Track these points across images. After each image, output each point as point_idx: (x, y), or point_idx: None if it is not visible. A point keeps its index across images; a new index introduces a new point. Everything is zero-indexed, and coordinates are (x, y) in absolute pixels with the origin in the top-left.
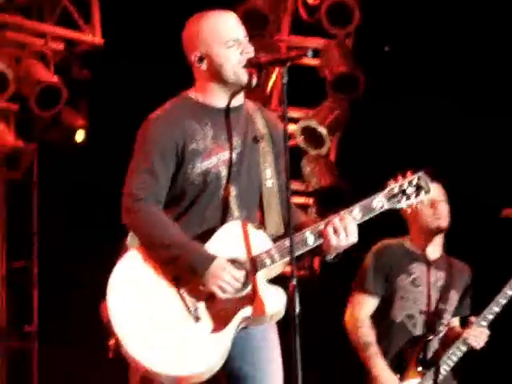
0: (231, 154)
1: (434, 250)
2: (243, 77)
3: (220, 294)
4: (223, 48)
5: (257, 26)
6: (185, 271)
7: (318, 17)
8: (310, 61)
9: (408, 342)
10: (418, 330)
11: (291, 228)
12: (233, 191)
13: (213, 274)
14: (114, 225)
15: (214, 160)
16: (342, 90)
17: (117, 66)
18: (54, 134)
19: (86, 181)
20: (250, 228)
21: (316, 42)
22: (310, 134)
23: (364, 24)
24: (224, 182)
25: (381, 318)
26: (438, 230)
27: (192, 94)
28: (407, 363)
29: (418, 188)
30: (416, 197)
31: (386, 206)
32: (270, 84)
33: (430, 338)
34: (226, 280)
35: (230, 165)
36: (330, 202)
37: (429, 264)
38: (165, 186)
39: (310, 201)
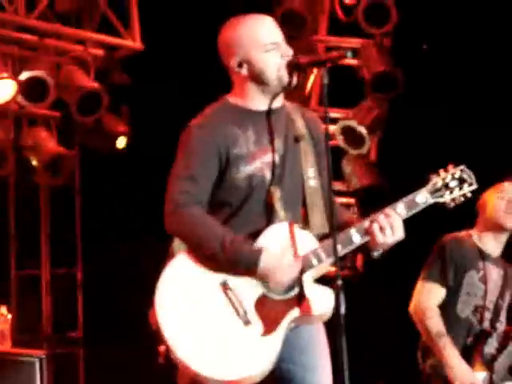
0: (274, 156)
1: (498, 247)
2: (284, 79)
3: (270, 294)
4: (262, 52)
5: (294, 28)
6: (238, 269)
7: (355, 16)
8: (348, 61)
9: (473, 336)
10: (482, 325)
11: (334, 227)
12: (277, 193)
13: (266, 263)
14: (156, 230)
15: (258, 164)
16: (381, 90)
17: (157, 71)
18: (95, 140)
19: (127, 186)
20: (296, 228)
21: (354, 42)
22: (350, 134)
23: (401, 23)
24: (268, 184)
25: (446, 311)
26: (505, 228)
27: (231, 98)
28: (473, 357)
29: (462, 181)
30: (459, 190)
31: (430, 201)
32: (309, 85)
33: (491, 333)
34: (281, 266)
35: (274, 167)
36: (371, 202)
37: (493, 261)
38: (207, 192)
39: (352, 201)
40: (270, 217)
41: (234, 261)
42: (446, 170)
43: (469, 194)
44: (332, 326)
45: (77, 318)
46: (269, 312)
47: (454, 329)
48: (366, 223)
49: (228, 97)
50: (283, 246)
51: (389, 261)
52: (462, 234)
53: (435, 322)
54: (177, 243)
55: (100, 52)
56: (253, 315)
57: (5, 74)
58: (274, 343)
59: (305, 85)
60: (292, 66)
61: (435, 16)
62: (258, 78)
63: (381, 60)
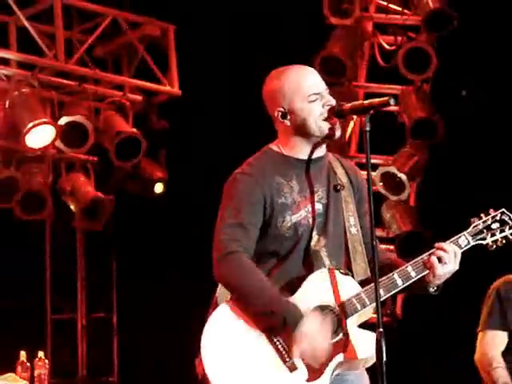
0: (318, 205)
1: None
2: (326, 129)
3: (297, 360)
4: (306, 102)
5: (334, 73)
6: (276, 327)
7: (395, 63)
8: (387, 107)
9: None
10: None
11: (376, 272)
12: (322, 242)
13: (301, 336)
14: (192, 276)
15: (303, 213)
16: (421, 136)
17: (195, 117)
18: (133, 186)
19: (163, 231)
20: (338, 274)
21: (393, 88)
22: (390, 180)
23: (441, 69)
24: (314, 233)
25: (509, 353)
26: None
27: (275, 147)
28: None
29: (503, 224)
30: (501, 232)
31: (472, 243)
32: (349, 131)
33: None
34: (308, 349)
35: (318, 216)
36: (410, 248)
37: None
38: (254, 241)
39: (391, 247)
40: (315, 265)
41: (278, 318)
42: (487, 214)
43: (511, 237)
44: (374, 372)
45: (112, 362)
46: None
47: None
48: (425, 257)
49: (272, 146)
50: (324, 294)
51: (427, 307)
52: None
53: (501, 372)
54: (222, 291)
55: (138, 97)
56: (298, 361)
57: (44, 119)
58: None
59: (344, 131)
60: (334, 113)
61: (474, 61)
62: (301, 128)
63: (420, 106)
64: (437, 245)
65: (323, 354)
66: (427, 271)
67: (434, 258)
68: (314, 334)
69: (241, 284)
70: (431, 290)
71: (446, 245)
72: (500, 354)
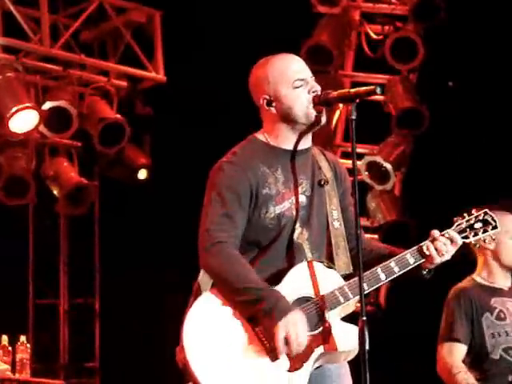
0: (302, 197)
1: (506, 279)
2: (312, 115)
3: (280, 348)
4: (291, 89)
5: (321, 62)
6: (261, 315)
7: (382, 52)
8: (374, 96)
9: None
10: None
11: (360, 263)
12: (305, 234)
13: (286, 324)
14: (174, 262)
15: (287, 204)
16: (407, 126)
17: (180, 103)
18: (116, 172)
19: (147, 218)
20: (322, 267)
21: (380, 78)
22: (375, 170)
23: (428, 59)
24: (297, 225)
25: (479, 360)
26: None
27: (261, 136)
28: None
29: (485, 223)
30: (483, 232)
31: None
32: (335, 120)
33: None
34: (292, 336)
35: (301, 208)
36: (395, 238)
37: (504, 295)
38: (241, 231)
39: (375, 236)
40: (297, 257)
41: (261, 316)
42: (470, 213)
43: (493, 237)
44: (356, 361)
45: (94, 347)
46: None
47: (491, 374)
48: (424, 245)
49: (257, 134)
50: (307, 286)
51: (411, 297)
52: (464, 283)
53: (463, 376)
54: (204, 278)
55: (123, 83)
56: None
57: (28, 104)
58: (301, 380)
59: (330, 120)
60: (320, 101)
61: (461, 53)
62: (286, 115)
63: (407, 96)
64: (434, 234)
65: (303, 346)
66: (423, 260)
67: (432, 248)
68: (298, 325)
69: (228, 273)
70: (423, 273)
71: (444, 237)
72: (460, 361)
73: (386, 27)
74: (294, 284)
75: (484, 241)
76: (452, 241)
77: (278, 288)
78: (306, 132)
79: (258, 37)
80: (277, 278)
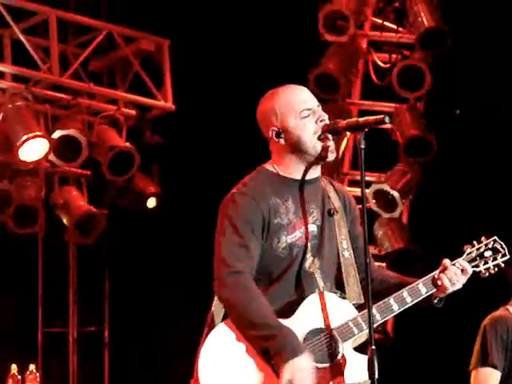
0: (313, 226)
1: None
2: (319, 148)
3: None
4: (299, 119)
5: (328, 90)
6: (272, 352)
7: (389, 80)
8: (383, 125)
9: None
10: None
11: (369, 292)
12: (316, 263)
13: (292, 367)
14: (182, 290)
15: (298, 233)
16: (414, 154)
17: (188, 132)
18: (125, 200)
19: (156, 246)
20: (335, 298)
21: (387, 106)
22: (383, 198)
23: (435, 87)
24: (308, 254)
25: None
26: None
27: (270, 167)
28: None
29: (495, 251)
30: (493, 260)
31: None
32: (342, 148)
33: None
34: (295, 381)
35: (313, 237)
36: (402, 265)
37: None
38: (256, 261)
39: (383, 264)
40: (310, 287)
41: (275, 349)
42: (480, 241)
43: (502, 265)
44: None
45: (103, 376)
46: (312, 381)
47: None
48: (435, 274)
49: (266, 165)
50: (321, 317)
51: (418, 326)
52: (500, 311)
53: None
54: (217, 308)
55: (132, 112)
56: None
57: (38, 133)
58: None
59: (337, 148)
60: (330, 129)
61: (468, 81)
62: (294, 146)
63: (414, 124)
64: (445, 263)
65: None
66: (435, 289)
67: (444, 277)
68: (305, 370)
69: (243, 307)
70: (435, 301)
71: (455, 267)
72: None
73: (393, 55)
74: (308, 316)
75: (494, 269)
76: (463, 270)
77: (290, 320)
78: (314, 163)
79: (266, 65)
80: (289, 308)
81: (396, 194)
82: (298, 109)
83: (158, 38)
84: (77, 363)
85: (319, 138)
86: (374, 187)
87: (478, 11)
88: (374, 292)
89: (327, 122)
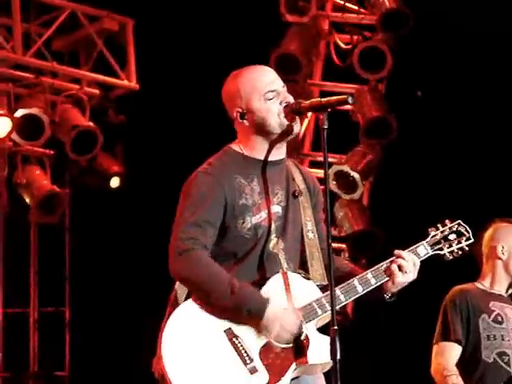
0: (278, 207)
1: (505, 286)
2: (285, 125)
3: (274, 343)
4: (263, 101)
5: (290, 71)
6: (242, 316)
7: (351, 62)
8: (343, 105)
9: (504, 379)
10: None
11: (332, 275)
12: (280, 244)
13: (267, 323)
14: (146, 271)
15: (263, 214)
16: (375, 135)
17: (152, 111)
18: (88, 180)
19: (119, 226)
20: (299, 278)
21: (348, 87)
22: (343, 179)
23: (396, 69)
24: (272, 235)
25: (472, 362)
26: None
27: (236, 147)
28: None
29: (459, 235)
30: (458, 243)
31: (430, 253)
32: (303, 129)
33: None
34: (279, 332)
35: (277, 218)
36: (362, 247)
37: (503, 300)
38: (212, 240)
39: (343, 246)
40: (273, 268)
41: (241, 306)
42: (444, 224)
43: (466, 248)
44: (328, 371)
45: (63, 357)
46: (274, 360)
47: (483, 377)
48: (384, 266)
49: (233, 145)
50: (285, 298)
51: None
52: (463, 285)
53: (453, 379)
54: (180, 288)
55: (96, 91)
56: (259, 363)
57: (0, 112)
58: None
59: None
60: (293, 110)
61: (429, 62)
62: (260, 127)
63: (375, 106)
64: (396, 252)
65: (295, 328)
66: (386, 279)
67: (394, 266)
68: (280, 315)
69: (200, 275)
70: (387, 297)
71: (406, 254)
72: (453, 363)
73: (355, 37)
74: (271, 296)
75: (458, 252)
76: (413, 262)
77: None
78: (278, 141)
79: (229, 45)
80: (255, 288)
81: (356, 175)
82: (262, 90)
83: (122, 18)
84: (38, 344)
85: (282, 118)
86: (335, 168)
87: None
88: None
89: (291, 103)
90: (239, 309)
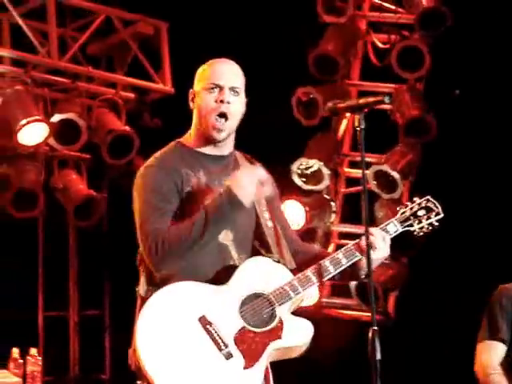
0: None
1: None
2: (209, 125)
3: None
4: (205, 90)
5: (327, 71)
6: (218, 216)
7: (389, 61)
8: (381, 105)
9: None
10: None
11: (371, 268)
12: (230, 235)
13: (230, 186)
14: None
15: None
16: (414, 134)
17: (188, 115)
18: (125, 183)
19: None
20: (271, 262)
21: (386, 87)
22: (383, 179)
23: (434, 67)
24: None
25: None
26: None
27: (184, 140)
28: None
29: (428, 210)
30: (427, 219)
31: (400, 229)
32: (342, 129)
33: None
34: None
35: None
36: (403, 246)
37: None
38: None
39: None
40: (222, 257)
41: (218, 209)
42: (413, 201)
43: (435, 223)
44: (368, 371)
45: (104, 360)
46: (249, 345)
47: None
48: (352, 246)
49: (182, 138)
50: (257, 282)
51: (421, 307)
52: (509, 284)
53: (496, 379)
54: (141, 287)
55: (131, 95)
56: (234, 348)
57: (37, 117)
58: (256, 376)
59: (337, 129)
60: (331, 110)
61: (468, 61)
62: (196, 115)
63: (414, 105)
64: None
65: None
66: (358, 257)
67: (363, 243)
68: (237, 179)
69: (175, 236)
70: (362, 276)
71: (375, 230)
72: (496, 362)
73: (393, 36)
74: (243, 282)
75: (428, 228)
76: (382, 238)
77: (226, 286)
78: (211, 141)
79: (266, 47)
80: (216, 276)
81: (396, 175)
82: (208, 79)
83: (156, 21)
84: (78, 347)
85: (210, 117)
86: (374, 168)
87: None
88: (298, 263)
89: (225, 109)
90: (219, 212)
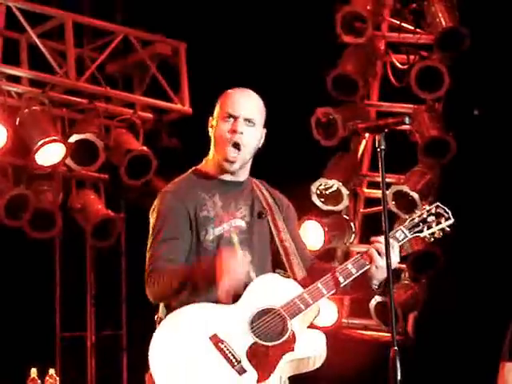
0: (241, 221)
1: None
2: (222, 156)
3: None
4: (221, 119)
5: (346, 92)
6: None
7: (408, 81)
8: (402, 126)
9: None
10: None
11: (392, 293)
12: (248, 256)
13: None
14: None
15: (226, 226)
16: (433, 155)
17: (206, 135)
18: (143, 203)
19: None
20: (279, 278)
21: (405, 107)
22: (402, 199)
23: (453, 87)
24: (236, 247)
25: None
26: None
27: (201, 166)
28: None
29: (438, 216)
30: (437, 224)
31: (409, 236)
32: (361, 149)
33: None
34: (228, 267)
35: (241, 231)
36: (423, 267)
37: None
38: (181, 252)
39: (403, 266)
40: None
41: (205, 274)
42: (422, 208)
43: (447, 229)
44: None
45: (121, 379)
46: (262, 359)
47: None
48: (360, 256)
49: (199, 165)
50: (268, 297)
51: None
52: None
53: None
54: (161, 310)
55: (149, 115)
56: (247, 363)
57: (54, 137)
58: None
59: (357, 149)
60: (350, 130)
61: (487, 81)
62: (214, 142)
63: (433, 125)
64: (372, 238)
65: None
66: (367, 266)
67: (372, 250)
68: (226, 264)
69: (164, 281)
70: (374, 286)
71: (382, 238)
72: None
73: (411, 56)
74: (253, 299)
75: (439, 233)
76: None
77: (237, 304)
78: (225, 170)
79: (284, 67)
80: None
81: (416, 195)
82: (225, 109)
83: (174, 41)
84: (95, 367)
85: (227, 148)
86: (394, 188)
87: (496, 11)
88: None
89: (238, 140)
90: (205, 276)
